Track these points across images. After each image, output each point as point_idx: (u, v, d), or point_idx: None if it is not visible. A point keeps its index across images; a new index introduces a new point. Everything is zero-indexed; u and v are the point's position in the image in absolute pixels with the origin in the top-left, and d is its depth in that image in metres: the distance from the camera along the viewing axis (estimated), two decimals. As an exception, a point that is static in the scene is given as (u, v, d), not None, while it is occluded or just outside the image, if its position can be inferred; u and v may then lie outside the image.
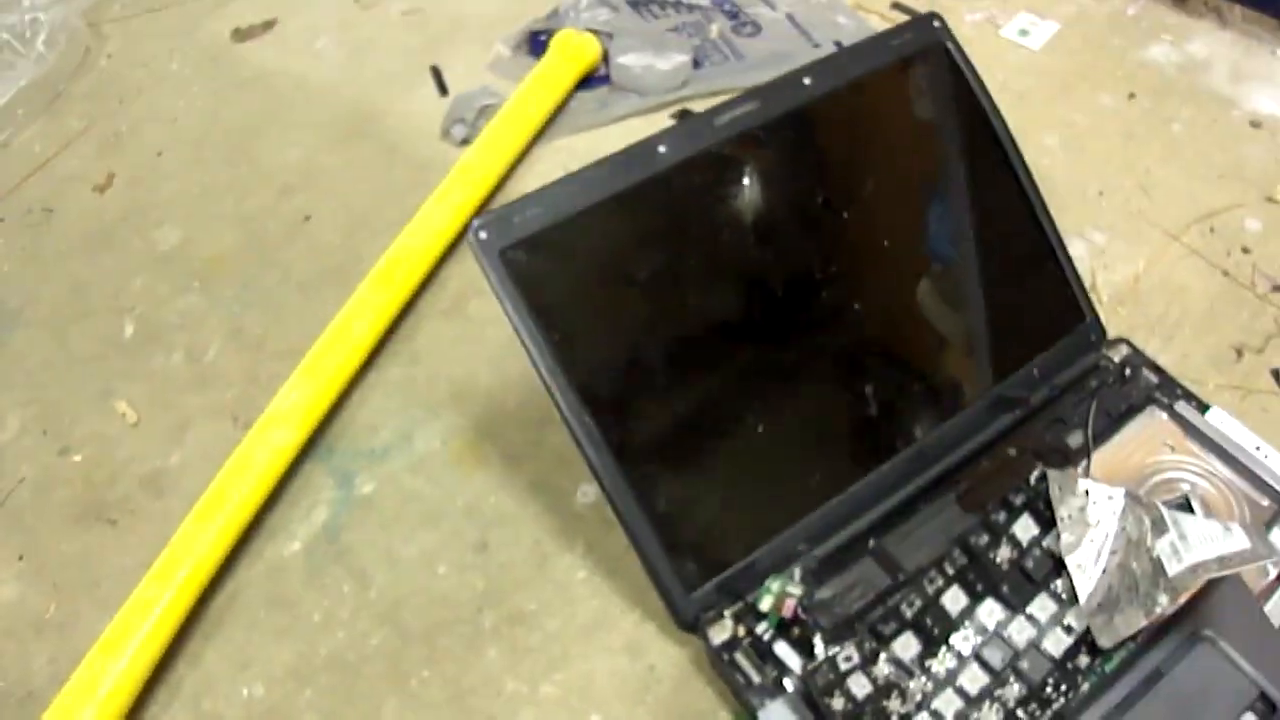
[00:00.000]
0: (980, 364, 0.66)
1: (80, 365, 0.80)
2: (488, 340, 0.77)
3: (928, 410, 0.63)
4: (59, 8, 1.08)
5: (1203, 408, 0.64)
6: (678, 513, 0.57)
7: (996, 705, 0.54)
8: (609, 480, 0.55)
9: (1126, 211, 0.82)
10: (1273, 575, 0.57)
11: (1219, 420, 0.64)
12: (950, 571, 0.58)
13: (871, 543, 0.60)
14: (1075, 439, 0.64)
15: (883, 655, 0.55)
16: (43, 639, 0.65)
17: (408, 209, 0.83)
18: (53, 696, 0.60)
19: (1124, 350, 0.68)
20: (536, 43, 1.02)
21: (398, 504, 0.69)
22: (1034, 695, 0.54)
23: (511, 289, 0.54)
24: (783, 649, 0.56)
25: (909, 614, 0.57)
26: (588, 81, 0.98)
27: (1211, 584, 0.55)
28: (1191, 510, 0.60)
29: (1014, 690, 0.54)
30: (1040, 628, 0.56)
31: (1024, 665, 0.55)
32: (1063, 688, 0.54)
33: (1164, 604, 0.54)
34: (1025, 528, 0.59)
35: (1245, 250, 0.79)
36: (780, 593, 0.57)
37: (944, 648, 0.56)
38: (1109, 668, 0.54)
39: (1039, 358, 0.66)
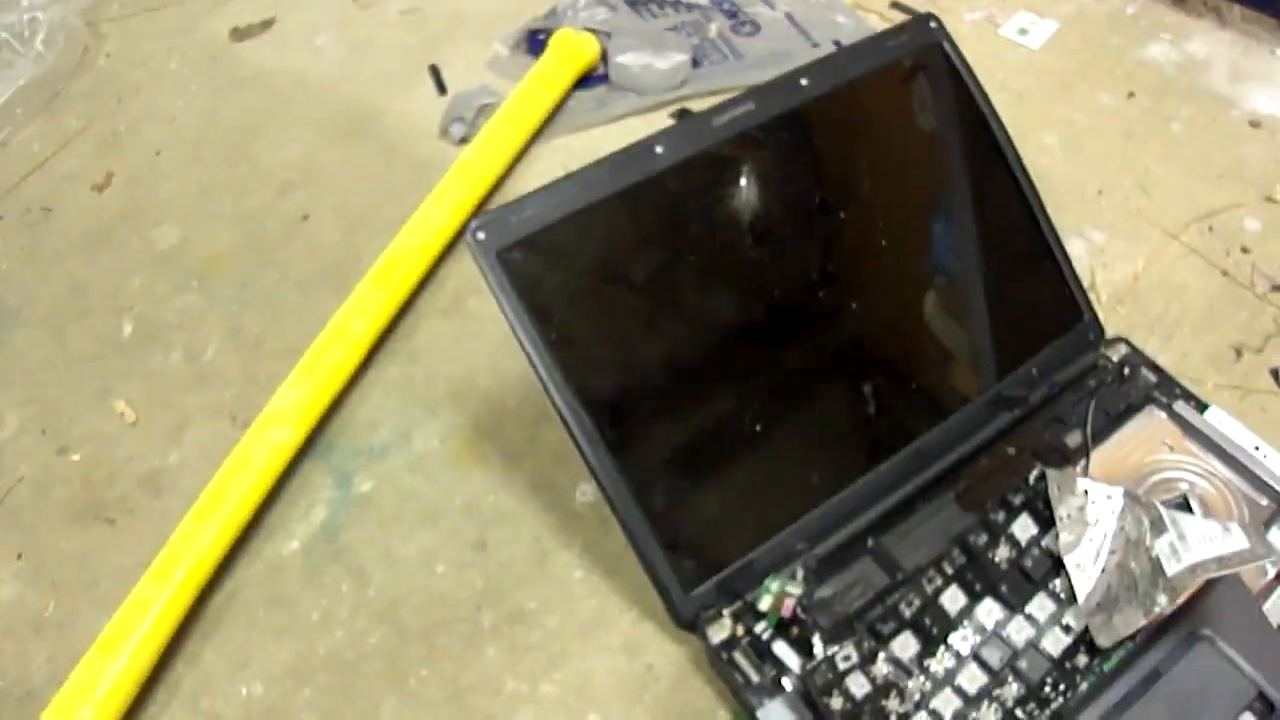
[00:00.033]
0: (979, 363, 0.66)
1: (79, 364, 0.80)
2: (486, 339, 0.77)
3: (926, 409, 0.63)
4: (57, 7, 1.08)
5: (1201, 407, 0.64)
6: (676, 511, 0.57)
7: (995, 705, 0.54)
8: (607, 479, 0.55)
9: (1126, 211, 0.82)
10: (1271, 575, 0.57)
11: (1218, 420, 0.64)
12: (949, 571, 0.58)
13: (870, 542, 0.60)
14: (1074, 438, 0.64)
15: (881, 655, 0.55)
16: (41, 638, 0.65)
17: (406, 208, 0.83)
18: (51, 695, 0.60)
19: (1123, 349, 0.68)
20: (535, 42, 1.01)
21: (396, 503, 0.69)
22: (1032, 695, 0.54)
23: (509, 289, 0.54)
24: (781, 648, 0.56)
25: (908, 613, 0.57)
26: (586, 81, 0.98)
27: (1210, 584, 0.55)
28: (1190, 510, 0.60)
29: (1012, 690, 0.54)
30: (1039, 627, 0.56)
31: (1022, 665, 0.55)
32: (1061, 687, 0.54)
33: (1163, 603, 0.54)
34: (1024, 527, 0.59)
35: (1244, 250, 0.79)
36: (779, 592, 0.57)
37: (943, 647, 0.56)
38: (1107, 667, 0.54)
39: (1037, 357, 0.66)
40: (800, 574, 0.58)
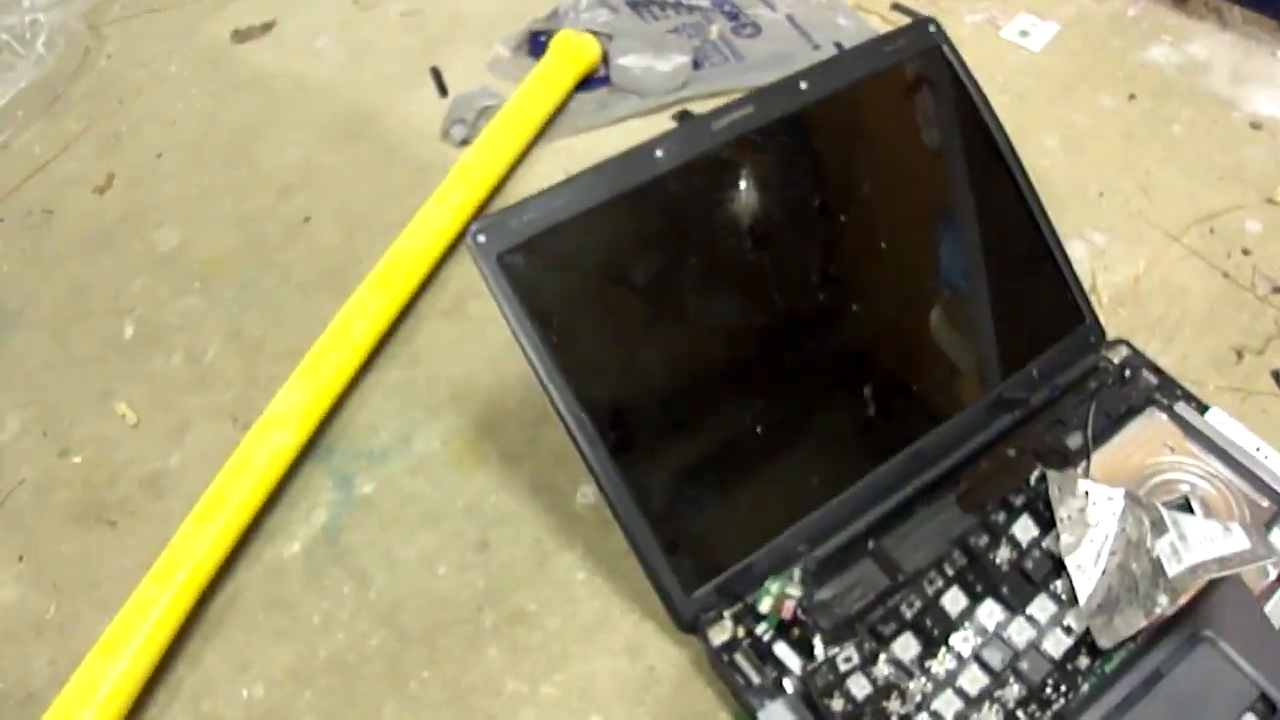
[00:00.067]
0: (979, 365, 0.66)
1: (80, 366, 0.80)
2: (487, 341, 0.77)
3: (927, 411, 0.63)
4: (58, 9, 1.08)
5: (1202, 409, 0.65)
6: (676, 514, 0.57)
7: (996, 706, 0.54)
8: (607, 482, 0.55)
9: (1127, 213, 0.82)
10: (1273, 576, 0.57)
11: (1219, 421, 0.64)
12: (950, 572, 0.58)
13: (871, 544, 0.60)
14: (1075, 440, 0.64)
15: (882, 656, 0.55)
16: (42, 640, 0.65)
17: (407, 210, 0.83)
18: (52, 698, 0.60)
19: (1124, 351, 0.68)
20: (536, 43, 1.02)
21: (397, 505, 0.69)
22: (1034, 696, 0.54)
23: (510, 292, 0.54)
24: (782, 650, 0.56)
25: (909, 615, 0.57)
26: (587, 82, 0.98)
27: (1211, 584, 0.55)
28: (1191, 511, 0.60)
29: (1014, 691, 0.54)
30: (1040, 628, 0.56)
31: (1024, 666, 0.55)
32: (1062, 688, 0.54)
33: (1164, 604, 0.54)
34: (1025, 529, 0.59)
35: (1245, 252, 0.79)
36: (780, 594, 0.57)
37: (944, 648, 0.56)
38: (1109, 668, 0.54)
39: (1038, 359, 0.66)
40: (801, 576, 0.58)
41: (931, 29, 0.65)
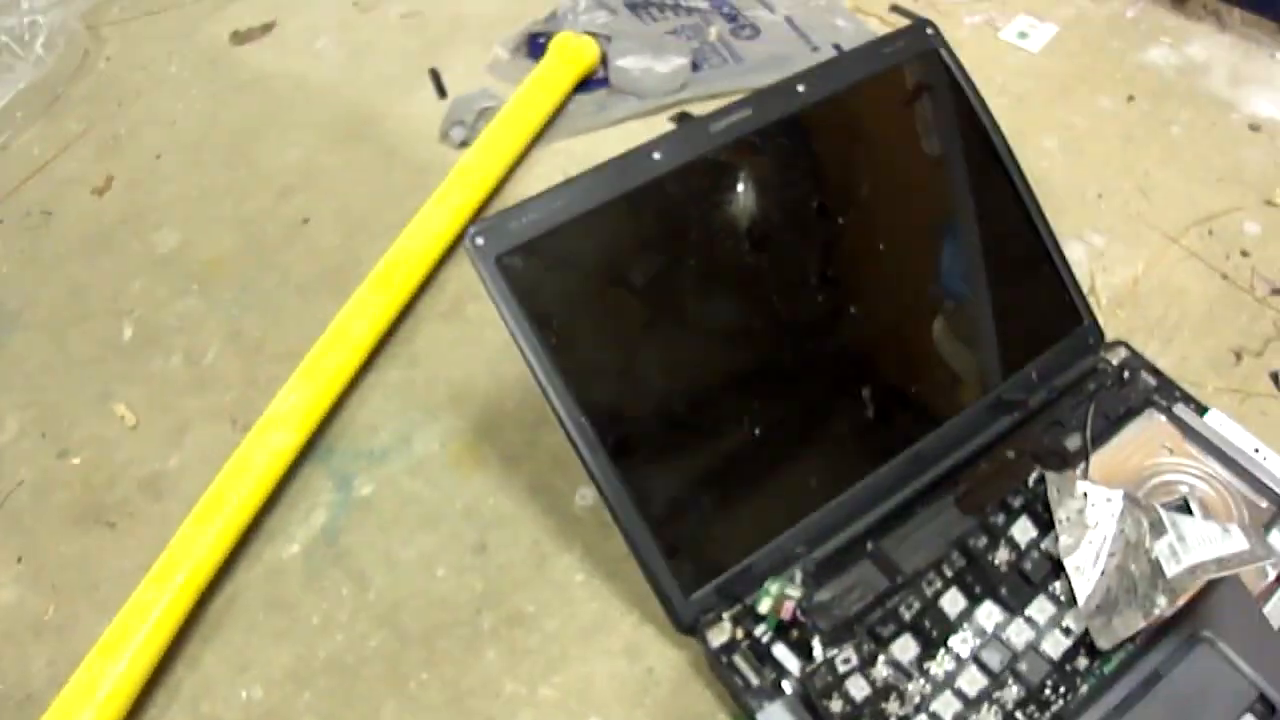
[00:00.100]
0: (978, 367, 0.66)
1: (79, 368, 0.80)
2: (486, 343, 0.77)
3: (925, 413, 0.63)
4: (57, 10, 1.08)
5: (1201, 410, 0.65)
6: (675, 515, 0.57)
7: (995, 707, 0.54)
8: (606, 484, 0.55)
9: (1125, 214, 0.82)
10: (1272, 577, 0.57)
11: (1217, 422, 0.64)
12: (949, 574, 0.58)
13: (870, 545, 0.60)
14: (1073, 441, 0.64)
15: (881, 657, 0.55)
16: (41, 641, 0.65)
17: (407, 211, 0.83)
18: (51, 699, 0.59)
19: (1122, 353, 0.68)
20: (535, 45, 1.02)
21: (396, 506, 0.69)
22: (1032, 697, 0.54)
23: (508, 294, 0.54)
24: (781, 651, 0.56)
25: (907, 616, 0.57)
26: (586, 84, 0.98)
27: (1210, 585, 0.55)
28: (1190, 512, 0.60)
29: (1012, 692, 0.54)
30: (1039, 630, 0.56)
31: (1022, 667, 0.55)
32: (1061, 690, 0.54)
33: (1162, 605, 0.54)
34: (1024, 530, 0.59)
35: (1244, 253, 0.79)
36: (779, 595, 0.57)
37: (942, 650, 0.56)
38: (1108, 669, 0.54)
39: (1037, 360, 0.66)
40: (800, 577, 0.58)
41: (929, 31, 0.65)
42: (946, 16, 1.01)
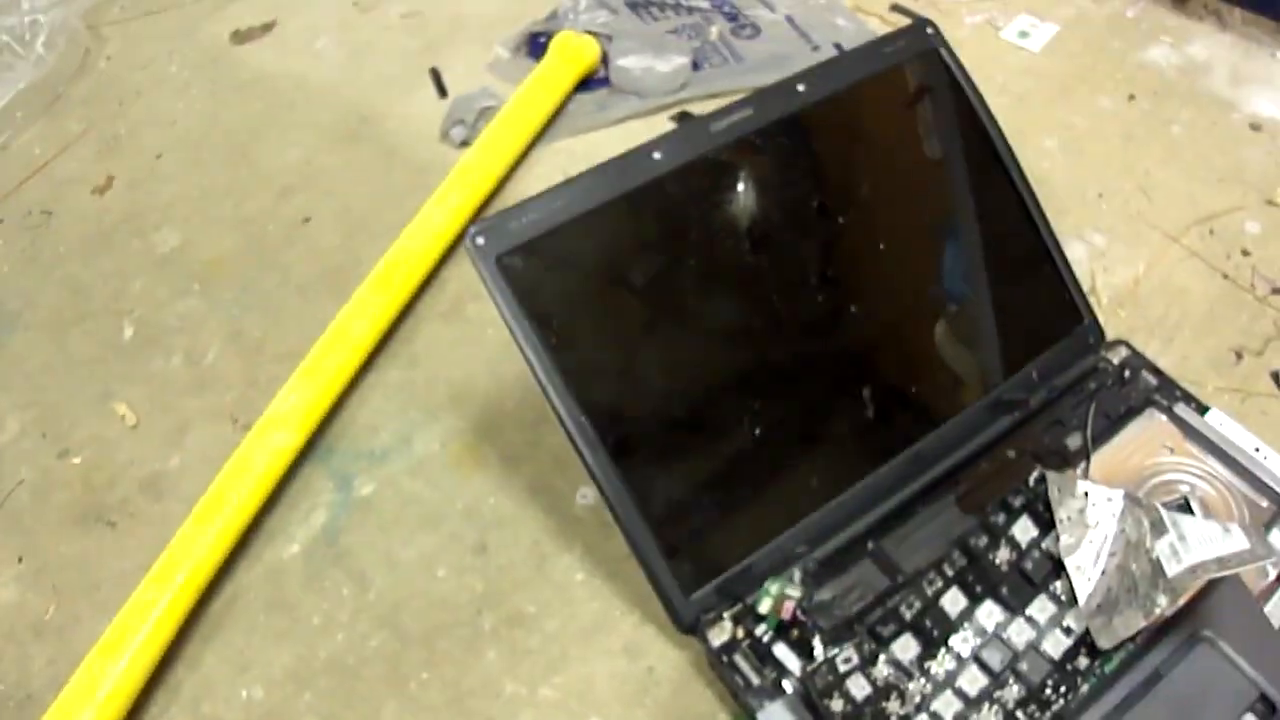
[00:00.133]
0: (979, 366, 0.66)
1: (80, 368, 0.80)
2: (486, 343, 0.77)
3: (926, 412, 0.63)
4: (58, 10, 1.08)
5: (1202, 409, 0.65)
6: (675, 515, 0.57)
7: (996, 707, 0.54)
8: (606, 483, 0.55)
9: (1126, 214, 0.82)
10: (1272, 576, 0.57)
11: (1218, 422, 0.64)
12: (949, 573, 0.58)
13: (870, 545, 0.60)
14: (1074, 441, 0.64)
15: (882, 657, 0.55)
16: (42, 641, 0.65)
17: (407, 211, 0.83)
18: (52, 699, 0.60)
19: (1123, 352, 0.68)
20: (536, 45, 1.02)
21: (397, 506, 0.69)
22: (1033, 697, 0.54)
23: (508, 294, 0.54)
24: (782, 651, 0.56)
25: (908, 616, 0.57)
26: (587, 83, 0.98)
27: (1211, 585, 0.55)
28: (1191, 512, 0.60)
29: (1013, 692, 0.54)
30: (1039, 629, 0.56)
31: (1023, 667, 0.55)
32: (1062, 689, 0.54)
33: (1163, 605, 0.54)
34: (1024, 529, 0.59)
35: (1245, 253, 0.79)
36: (779, 595, 0.57)
37: (943, 649, 0.56)
38: (1108, 669, 0.54)
39: (1038, 360, 0.66)
40: (800, 577, 0.58)
41: (929, 31, 0.65)
42: (947, 16, 1.01)
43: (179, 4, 1.15)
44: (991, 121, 0.66)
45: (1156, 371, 0.67)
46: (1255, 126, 0.88)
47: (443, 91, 1.00)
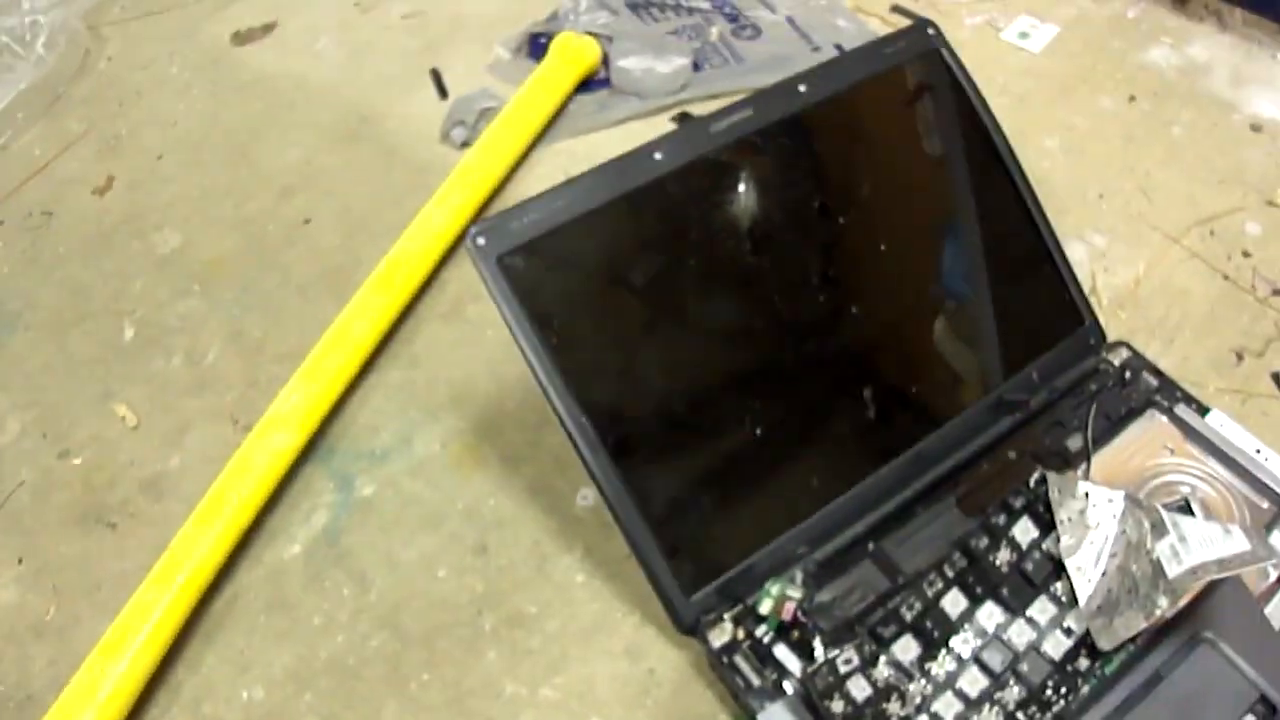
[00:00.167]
0: (979, 367, 0.66)
1: (80, 368, 0.80)
2: (487, 343, 0.77)
3: (927, 413, 0.63)
4: (59, 10, 1.08)
5: (1202, 411, 0.65)
6: (676, 516, 0.57)
7: (996, 708, 0.54)
8: (607, 484, 0.55)
9: (1127, 214, 0.82)
10: (1273, 577, 0.57)
11: (1219, 423, 0.64)
12: (950, 574, 0.58)
13: (871, 546, 0.60)
14: (1075, 442, 0.64)
15: (882, 658, 0.55)
16: (42, 642, 0.65)
17: (407, 212, 0.83)
18: (52, 700, 0.60)
19: (1124, 353, 0.68)
20: (536, 45, 1.02)
21: (397, 507, 0.69)
22: (1034, 698, 0.54)
23: (509, 294, 0.54)
24: (782, 652, 0.56)
25: (909, 617, 0.57)
26: (587, 84, 0.98)
27: (1212, 586, 0.55)
28: (1191, 513, 0.60)
29: (1014, 693, 0.54)
30: (1040, 630, 0.56)
31: (1024, 668, 0.55)
32: (1062, 690, 0.54)
33: (1164, 606, 0.54)
34: (1025, 530, 0.59)
35: (1246, 254, 0.79)
36: (780, 596, 0.57)
37: (944, 650, 0.56)
38: (1109, 670, 0.54)
39: (1038, 361, 0.66)
40: (801, 578, 0.58)
41: (930, 31, 0.65)
42: (947, 17, 1.01)
43: (179, 4, 1.15)
44: (992, 122, 0.66)
45: (1157, 372, 0.67)
46: (1256, 127, 0.88)
47: (443, 92, 1.00)
